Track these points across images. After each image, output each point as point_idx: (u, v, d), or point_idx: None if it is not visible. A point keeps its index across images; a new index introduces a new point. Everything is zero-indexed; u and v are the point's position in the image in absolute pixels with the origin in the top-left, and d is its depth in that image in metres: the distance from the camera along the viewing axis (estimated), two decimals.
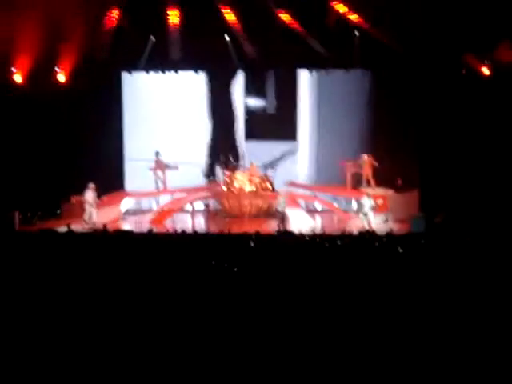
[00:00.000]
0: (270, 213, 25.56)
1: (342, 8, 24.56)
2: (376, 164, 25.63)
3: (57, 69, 25.31)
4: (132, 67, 27.35)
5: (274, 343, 8.91)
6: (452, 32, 22.52)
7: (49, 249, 14.47)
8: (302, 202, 26.40)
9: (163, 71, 27.46)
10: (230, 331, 9.32)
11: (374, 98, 26.97)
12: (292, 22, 25.17)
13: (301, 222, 22.81)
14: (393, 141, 26.20)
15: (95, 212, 23.41)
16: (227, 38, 26.26)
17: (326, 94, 28.24)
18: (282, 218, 23.09)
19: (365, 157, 25.84)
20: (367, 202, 22.84)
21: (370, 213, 22.67)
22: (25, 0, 22.09)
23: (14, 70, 24.28)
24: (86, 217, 23.20)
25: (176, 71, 27.44)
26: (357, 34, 25.61)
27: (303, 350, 8.74)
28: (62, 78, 25.49)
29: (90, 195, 23.43)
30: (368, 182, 25.94)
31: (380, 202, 24.08)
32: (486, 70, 24.07)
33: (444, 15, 22.09)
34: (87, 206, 23.36)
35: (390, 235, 16.90)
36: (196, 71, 27.79)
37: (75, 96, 25.32)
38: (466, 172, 24.19)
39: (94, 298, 10.91)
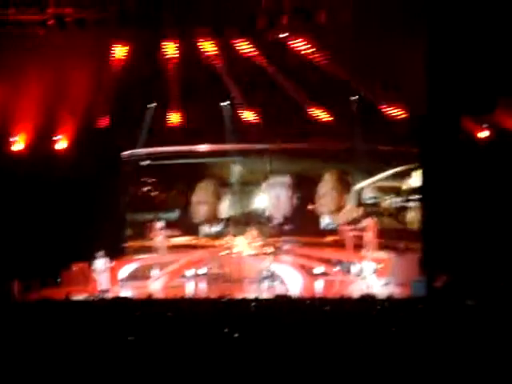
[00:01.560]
0: (270, 277, 25.49)
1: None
2: (371, 227, 25.65)
3: (57, 136, 25.53)
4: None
5: None
6: (449, 95, 22.69)
7: (47, 319, 14.39)
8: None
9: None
10: None
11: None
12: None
13: (299, 285, 22.77)
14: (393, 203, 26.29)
15: (107, 279, 23.54)
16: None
17: None
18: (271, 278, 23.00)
19: (368, 220, 25.88)
20: (368, 266, 22.79)
21: (371, 276, 22.60)
22: (24, 67, 22.36)
23: (13, 138, 24.47)
24: (99, 287, 23.27)
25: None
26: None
27: None
28: (63, 144, 25.71)
29: (99, 263, 23.61)
30: (369, 246, 25.87)
31: (381, 265, 24.02)
32: (483, 134, 24.20)
33: (441, 78, 22.27)
34: (96, 275, 23.49)
35: (390, 299, 16.81)
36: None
37: (76, 165, 25.46)
38: (468, 236, 24.12)
39: (94, 367, 10.83)
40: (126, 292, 24.23)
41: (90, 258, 24.32)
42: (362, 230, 26.08)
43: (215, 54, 24.89)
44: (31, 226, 24.77)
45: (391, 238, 26.40)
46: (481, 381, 9.54)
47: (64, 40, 22.11)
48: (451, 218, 24.39)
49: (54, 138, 25.69)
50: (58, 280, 24.80)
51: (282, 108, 27.03)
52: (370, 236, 25.77)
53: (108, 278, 24.24)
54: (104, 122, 26.50)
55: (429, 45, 21.57)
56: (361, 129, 26.78)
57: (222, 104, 27.16)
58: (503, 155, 23.77)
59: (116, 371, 10.75)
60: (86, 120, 25.36)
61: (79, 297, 20.70)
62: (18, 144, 24.69)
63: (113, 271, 25.13)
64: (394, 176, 27.59)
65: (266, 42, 23.65)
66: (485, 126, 24.30)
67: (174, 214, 29.37)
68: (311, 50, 24.44)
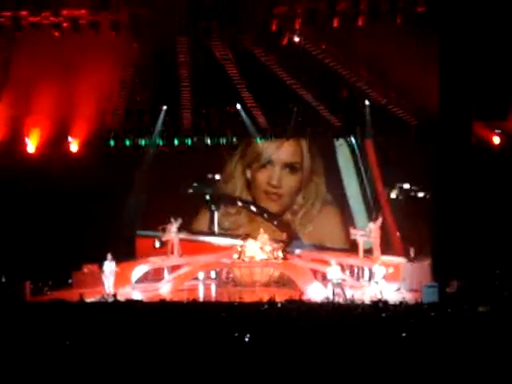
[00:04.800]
0: (281, 281, 25.58)
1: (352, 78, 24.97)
2: (382, 232, 25.64)
3: (69, 139, 25.63)
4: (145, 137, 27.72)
5: None
6: (461, 100, 22.65)
7: (59, 319, 14.43)
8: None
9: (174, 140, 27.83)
10: None
11: (386, 165, 27.18)
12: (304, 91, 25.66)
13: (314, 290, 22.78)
14: (405, 209, 26.27)
15: (112, 282, 23.56)
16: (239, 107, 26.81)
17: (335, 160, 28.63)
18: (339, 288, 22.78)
19: (371, 225, 25.84)
20: (379, 271, 22.74)
21: (382, 281, 22.55)
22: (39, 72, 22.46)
23: (26, 140, 24.60)
24: (106, 289, 23.32)
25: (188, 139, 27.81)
26: (367, 103, 26.09)
27: None
28: (74, 147, 25.81)
29: (108, 266, 23.66)
30: (377, 250, 25.80)
31: (391, 270, 23.97)
32: (496, 140, 24.18)
33: (454, 84, 22.23)
34: (104, 278, 23.53)
35: (401, 305, 16.78)
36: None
37: (87, 166, 25.53)
38: (480, 242, 24.05)
39: (104, 368, 10.86)
40: (137, 294, 24.27)
41: (100, 260, 24.36)
42: (370, 233, 25.99)
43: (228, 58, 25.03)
44: (43, 228, 24.87)
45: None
46: None
47: (79, 42, 22.20)
48: (463, 223, 24.32)
49: (67, 143, 25.80)
50: (70, 281, 24.87)
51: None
52: (377, 239, 25.72)
53: (118, 279, 24.27)
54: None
55: (440, 50, 21.56)
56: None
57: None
58: None
59: (127, 370, 10.78)
60: (99, 124, 25.44)
61: (91, 298, 20.73)
62: (32, 148, 24.81)
63: (124, 273, 25.14)
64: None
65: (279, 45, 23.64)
66: (497, 131, 24.28)
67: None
68: (324, 55, 24.52)
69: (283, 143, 28.98)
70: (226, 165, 29.64)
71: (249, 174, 29.63)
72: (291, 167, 29.29)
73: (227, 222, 29.56)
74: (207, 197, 29.43)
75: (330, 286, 23.32)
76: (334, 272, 22.73)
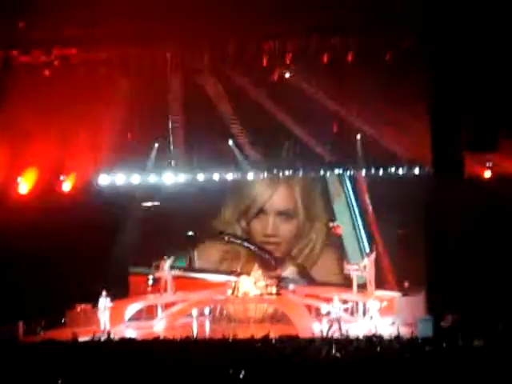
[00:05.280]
0: (275, 317, 25.51)
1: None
2: (375, 266, 25.61)
3: (62, 177, 25.67)
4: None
5: None
6: (452, 133, 22.74)
7: (52, 359, 14.33)
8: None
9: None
10: None
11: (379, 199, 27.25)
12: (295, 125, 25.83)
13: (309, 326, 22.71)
14: (399, 243, 26.29)
15: (108, 318, 23.53)
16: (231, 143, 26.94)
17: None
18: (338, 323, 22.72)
19: (365, 259, 25.84)
20: (373, 305, 22.70)
21: (376, 316, 22.50)
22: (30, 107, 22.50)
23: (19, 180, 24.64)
24: (102, 326, 23.30)
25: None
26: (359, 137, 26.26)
27: None
28: (66, 186, 25.83)
29: (101, 303, 23.63)
30: (370, 285, 25.73)
31: (385, 304, 23.93)
32: (487, 174, 24.26)
33: (445, 117, 22.33)
34: (100, 314, 23.50)
35: (396, 339, 16.73)
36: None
37: (79, 204, 25.52)
38: (474, 275, 24.03)
39: None
40: (131, 332, 24.13)
41: (94, 298, 24.28)
42: (364, 268, 25.95)
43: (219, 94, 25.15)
44: (35, 267, 24.73)
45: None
46: None
47: (70, 80, 22.27)
48: (457, 257, 24.33)
49: (59, 182, 25.83)
50: (63, 320, 24.75)
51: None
52: (371, 274, 25.68)
53: (112, 318, 24.16)
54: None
55: (431, 82, 21.69)
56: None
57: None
58: (508, 194, 23.79)
59: None
60: (91, 162, 25.50)
61: (84, 337, 20.59)
62: (23, 186, 24.81)
63: (117, 311, 25.02)
64: None
65: (270, 81, 23.75)
66: (488, 165, 24.38)
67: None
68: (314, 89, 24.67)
69: (275, 191, 29.02)
70: (223, 211, 29.57)
71: (243, 223, 29.59)
72: (286, 214, 29.28)
73: (219, 257, 29.48)
74: (190, 233, 29.26)
75: (324, 321, 23.28)
76: (334, 307, 22.77)
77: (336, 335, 21.19)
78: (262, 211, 29.26)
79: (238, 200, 29.40)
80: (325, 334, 21.50)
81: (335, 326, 22.27)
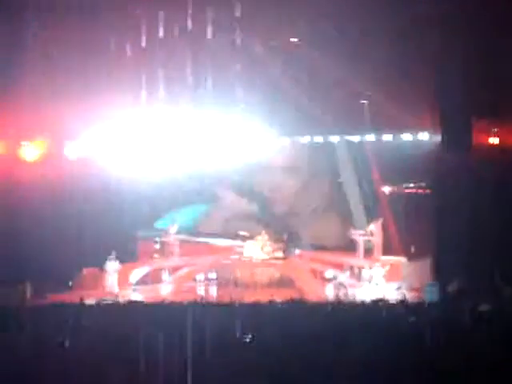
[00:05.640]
0: (282, 282, 25.55)
1: None
2: (382, 232, 25.60)
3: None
4: None
5: None
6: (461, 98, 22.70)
7: (60, 321, 14.40)
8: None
9: None
10: None
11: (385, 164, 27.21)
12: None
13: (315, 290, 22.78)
14: (405, 207, 26.24)
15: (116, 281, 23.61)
16: None
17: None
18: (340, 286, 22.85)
19: (373, 225, 25.82)
20: (379, 271, 22.73)
21: (382, 281, 22.55)
22: None
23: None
24: (108, 288, 23.38)
25: None
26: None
27: None
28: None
29: (111, 266, 23.72)
30: (377, 250, 25.76)
31: (391, 270, 23.96)
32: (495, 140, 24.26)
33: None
34: (108, 276, 23.59)
35: (402, 304, 16.76)
36: None
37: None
38: (481, 240, 24.00)
39: (104, 371, 10.84)
40: (138, 296, 24.24)
41: (101, 262, 24.37)
42: (371, 233, 25.95)
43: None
44: (44, 230, 24.76)
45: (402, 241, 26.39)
46: None
47: None
48: (464, 221, 24.30)
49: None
50: (70, 283, 24.84)
51: None
52: (378, 240, 25.67)
53: (119, 281, 24.28)
54: None
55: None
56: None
57: None
58: None
59: (127, 372, 10.77)
60: None
61: (91, 300, 20.69)
62: (33, 151, 24.89)
63: (124, 275, 25.11)
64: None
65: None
66: (495, 131, 24.31)
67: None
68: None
69: (281, 146, 28.83)
70: None
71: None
72: (290, 171, 29.18)
73: (227, 222, 29.48)
74: None
75: (329, 285, 23.35)
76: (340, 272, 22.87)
77: (342, 299, 21.24)
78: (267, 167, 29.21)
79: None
80: (330, 298, 21.55)
81: (341, 291, 22.32)
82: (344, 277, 25.28)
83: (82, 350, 12.11)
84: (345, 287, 22.74)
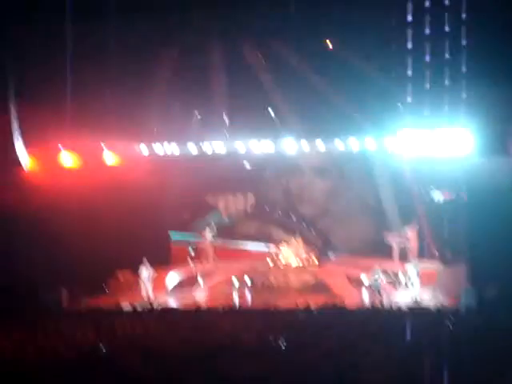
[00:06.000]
0: (316, 287, 25.50)
1: None
2: (417, 237, 25.50)
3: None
4: None
5: None
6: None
7: (96, 327, 14.53)
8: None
9: None
10: None
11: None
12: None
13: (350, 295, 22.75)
14: (441, 213, 26.10)
15: (150, 288, 23.81)
16: None
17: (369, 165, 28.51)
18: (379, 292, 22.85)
19: (408, 230, 25.73)
20: (414, 275, 22.66)
21: (417, 286, 22.47)
22: None
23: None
24: (143, 293, 23.59)
25: None
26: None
27: None
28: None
29: (144, 272, 23.87)
30: (412, 255, 25.64)
31: (427, 274, 23.85)
32: None
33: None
34: (142, 283, 23.73)
35: (438, 309, 16.70)
36: None
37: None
38: None
39: (141, 375, 10.91)
40: (172, 301, 24.30)
41: (136, 267, 24.48)
42: (406, 238, 25.86)
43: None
44: (80, 236, 24.90)
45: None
46: None
47: None
48: (500, 227, 24.06)
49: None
50: (106, 289, 25.00)
51: None
52: (413, 244, 25.58)
53: (154, 286, 24.37)
54: None
55: None
56: None
57: None
58: None
59: (163, 376, 10.85)
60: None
61: (127, 305, 20.82)
62: (69, 160, 25.17)
63: (159, 280, 25.19)
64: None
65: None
66: None
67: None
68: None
69: (314, 149, 28.73)
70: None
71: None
72: (322, 173, 29.14)
73: (262, 228, 29.53)
74: None
75: (364, 290, 23.26)
76: (374, 277, 22.79)
77: (378, 305, 21.16)
78: (299, 169, 29.22)
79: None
80: (366, 303, 21.50)
81: (377, 296, 22.27)
82: (380, 281, 25.21)
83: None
84: (380, 292, 22.64)
